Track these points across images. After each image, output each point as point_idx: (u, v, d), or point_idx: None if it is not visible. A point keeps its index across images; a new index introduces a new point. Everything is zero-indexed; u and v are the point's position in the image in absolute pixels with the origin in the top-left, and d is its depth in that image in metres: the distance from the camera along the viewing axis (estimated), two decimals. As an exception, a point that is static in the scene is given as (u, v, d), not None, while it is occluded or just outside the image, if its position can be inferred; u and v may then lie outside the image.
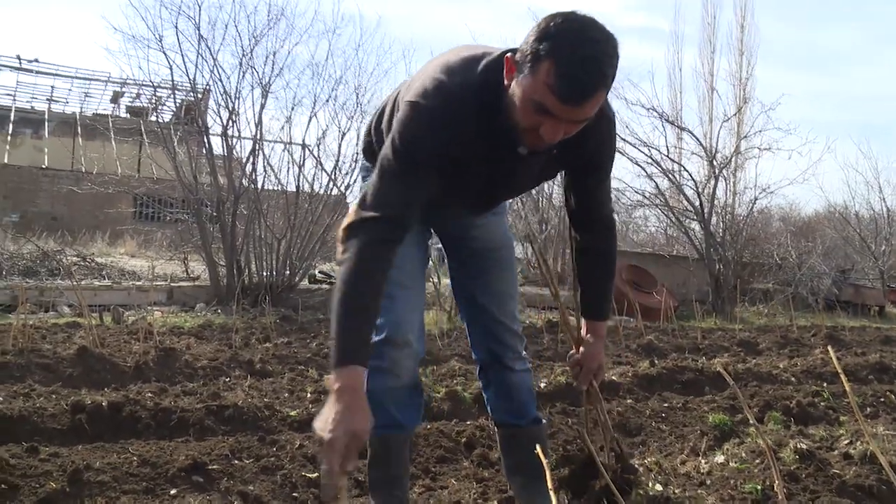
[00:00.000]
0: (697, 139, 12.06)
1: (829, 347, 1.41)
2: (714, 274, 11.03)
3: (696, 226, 11.79)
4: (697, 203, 11.27)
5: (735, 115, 13.44)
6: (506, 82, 1.68)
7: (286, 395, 3.83)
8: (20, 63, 23.30)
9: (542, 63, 1.54)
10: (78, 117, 24.12)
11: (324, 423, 1.53)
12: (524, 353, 2.36)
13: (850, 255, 13.79)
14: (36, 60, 23.32)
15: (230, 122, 8.63)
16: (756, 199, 11.58)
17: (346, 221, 1.76)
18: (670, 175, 11.75)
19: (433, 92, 1.74)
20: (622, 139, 11.54)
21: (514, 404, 2.33)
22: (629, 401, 4.02)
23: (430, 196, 1.84)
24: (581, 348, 2.21)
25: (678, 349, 6.06)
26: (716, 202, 11.43)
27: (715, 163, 11.43)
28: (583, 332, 2.22)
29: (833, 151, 14.69)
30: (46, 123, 23.95)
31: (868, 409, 4.10)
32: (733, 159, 11.85)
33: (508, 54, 1.68)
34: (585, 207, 2.12)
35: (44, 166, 21.71)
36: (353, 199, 2.23)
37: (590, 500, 2.18)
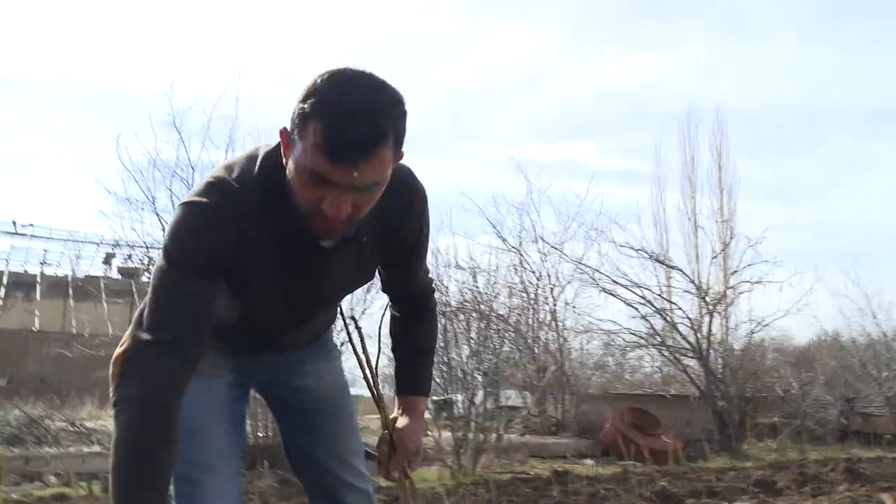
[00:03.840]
0: (689, 277, 12.17)
1: (885, 496, 1.32)
2: (717, 411, 10.82)
3: (693, 363, 11.67)
4: (694, 340, 11.21)
5: (721, 251, 13.59)
6: (284, 161, 1.45)
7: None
8: (15, 228, 23.68)
9: (309, 124, 1.34)
10: (70, 279, 24.25)
11: None
12: None
13: (850, 383, 13.61)
14: (31, 225, 23.72)
15: (224, 279, 8.64)
16: (753, 332, 11.54)
17: (119, 349, 1.50)
18: (664, 314, 11.76)
19: (208, 189, 1.54)
20: (613, 281, 11.65)
21: None
22: (652, 555, 3.80)
23: (227, 316, 1.60)
24: (395, 427, 1.85)
25: (694, 494, 5.81)
26: (712, 338, 11.37)
27: (707, 299, 11.47)
28: (396, 412, 1.90)
29: (823, 280, 14.70)
30: (38, 286, 24.03)
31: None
32: (725, 295, 11.89)
33: (282, 128, 1.45)
34: (405, 287, 1.89)
35: (34, 329, 21.56)
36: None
37: None
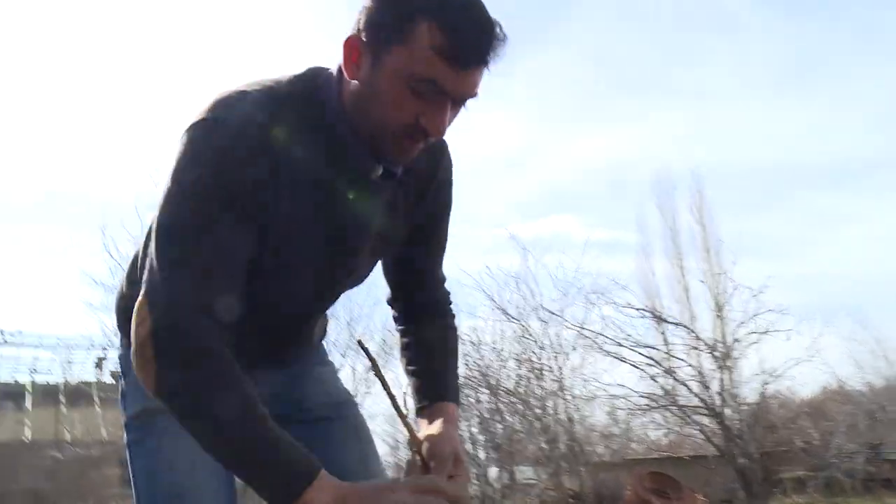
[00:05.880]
0: (695, 334, 11.94)
1: None
2: (739, 469, 10.47)
3: (706, 420, 11.37)
4: (707, 397, 10.94)
5: (721, 308, 13.37)
6: (349, 76, 1.22)
7: None
8: (3, 338, 23.26)
9: (417, 24, 1.14)
10: (62, 386, 23.74)
11: None
12: None
13: (862, 431, 13.25)
14: (20, 333, 23.32)
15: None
16: (766, 383, 11.28)
17: (139, 329, 1.15)
18: (673, 374, 11.50)
19: (222, 105, 1.21)
20: (618, 344, 11.42)
21: None
22: None
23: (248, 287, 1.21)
24: (424, 439, 1.41)
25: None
26: (725, 394, 11.11)
27: (717, 354, 11.25)
28: (423, 427, 1.48)
29: (831, 326, 14.38)
30: (29, 395, 23.48)
31: None
32: (733, 348, 11.67)
33: (348, 36, 1.21)
34: (423, 276, 1.57)
35: (26, 440, 20.97)
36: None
37: None
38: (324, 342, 1.79)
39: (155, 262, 1.17)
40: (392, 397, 1.45)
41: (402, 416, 1.44)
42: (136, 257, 1.46)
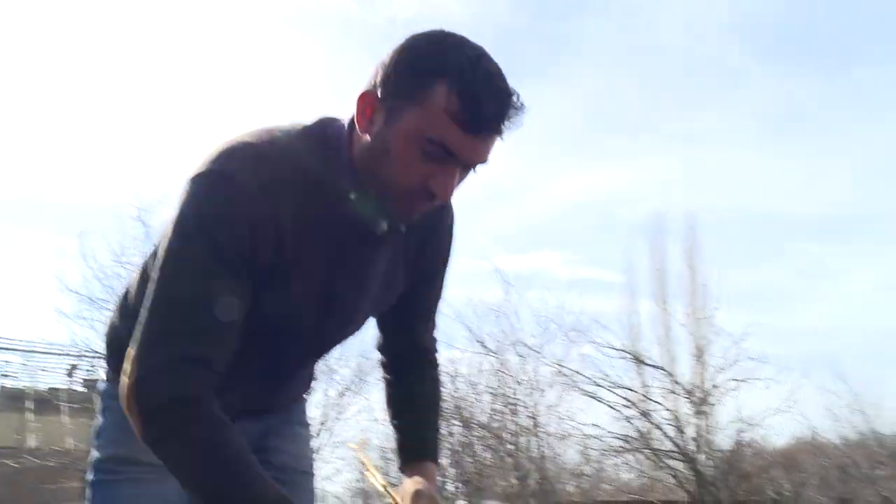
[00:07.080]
0: (673, 378, 11.89)
1: None
2: (710, 516, 10.39)
3: (679, 465, 11.30)
4: (681, 442, 10.87)
5: (702, 353, 13.35)
6: (362, 131, 1.21)
7: None
8: (-26, 340, 22.88)
9: (434, 87, 1.13)
10: (31, 391, 23.34)
11: None
12: None
13: (834, 485, 13.18)
14: (-9, 336, 22.96)
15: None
16: (742, 431, 11.23)
17: (129, 378, 1.16)
18: (648, 416, 11.43)
19: (233, 153, 1.20)
20: (595, 383, 11.34)
21: None
22: None
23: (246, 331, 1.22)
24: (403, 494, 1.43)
25: None
26: (700, 439, 11.04)
27: (694, 399, 11.19)
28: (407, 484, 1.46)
29: (809, 377, 14.23)
30: (-5, 400, 23.06)
31: None
32: (711, 394, 11.62)
33: (363, 91, 1.21)
34: (418, 328, 1.58)
35: (-13, 445, 20.56)
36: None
37: None
38: (305, 402, 1.77)
39: (148, 318, 1.18)
40: (375, 479, 1.50)
41: (385, 489, 1.46)
42: (127, 291, 1.45)
